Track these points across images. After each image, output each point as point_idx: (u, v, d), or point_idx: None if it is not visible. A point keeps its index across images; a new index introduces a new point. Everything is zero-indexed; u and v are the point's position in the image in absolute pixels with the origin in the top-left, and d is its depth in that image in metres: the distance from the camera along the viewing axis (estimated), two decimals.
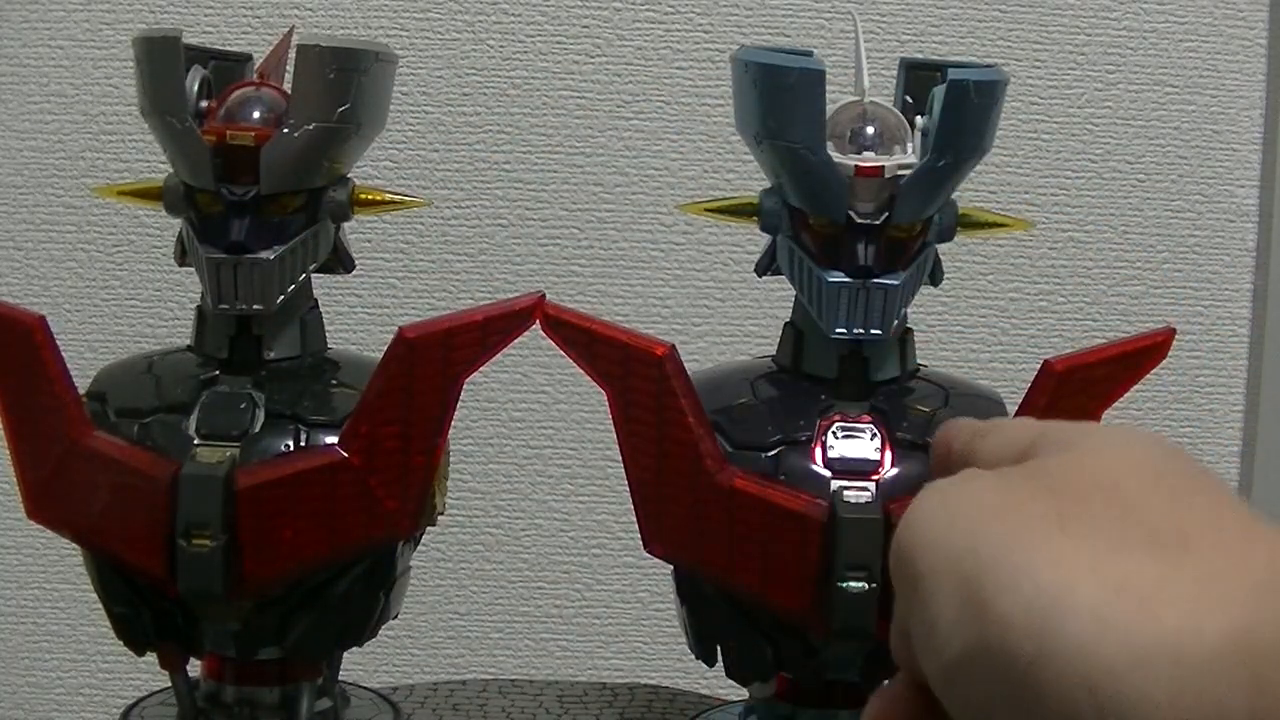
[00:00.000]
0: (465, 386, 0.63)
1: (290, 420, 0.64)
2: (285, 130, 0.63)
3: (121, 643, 0.66)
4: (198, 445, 0.63)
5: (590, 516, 1.16)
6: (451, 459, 0.69)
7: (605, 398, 0.62)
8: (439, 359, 0.62)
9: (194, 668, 0.69)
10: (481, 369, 0.63)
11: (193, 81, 0.64)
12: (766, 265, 0.66)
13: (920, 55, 0.83)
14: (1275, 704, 0.24)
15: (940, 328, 1.15)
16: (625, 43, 1.13)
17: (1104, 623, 0.26)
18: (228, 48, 0.70)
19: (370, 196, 0.67)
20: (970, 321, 1.16)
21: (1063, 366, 0.62)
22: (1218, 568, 0.27)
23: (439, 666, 1.16)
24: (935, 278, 0.66)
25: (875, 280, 0.62)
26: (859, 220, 0.61)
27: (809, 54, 0.64)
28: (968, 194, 0.66)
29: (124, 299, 1.13)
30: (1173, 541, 0.28)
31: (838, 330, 0.62)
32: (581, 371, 0.62)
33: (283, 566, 0.63)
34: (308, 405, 0.65)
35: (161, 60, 0.63)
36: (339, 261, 0.68)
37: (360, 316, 1.12)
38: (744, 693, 0.69)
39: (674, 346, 0.62)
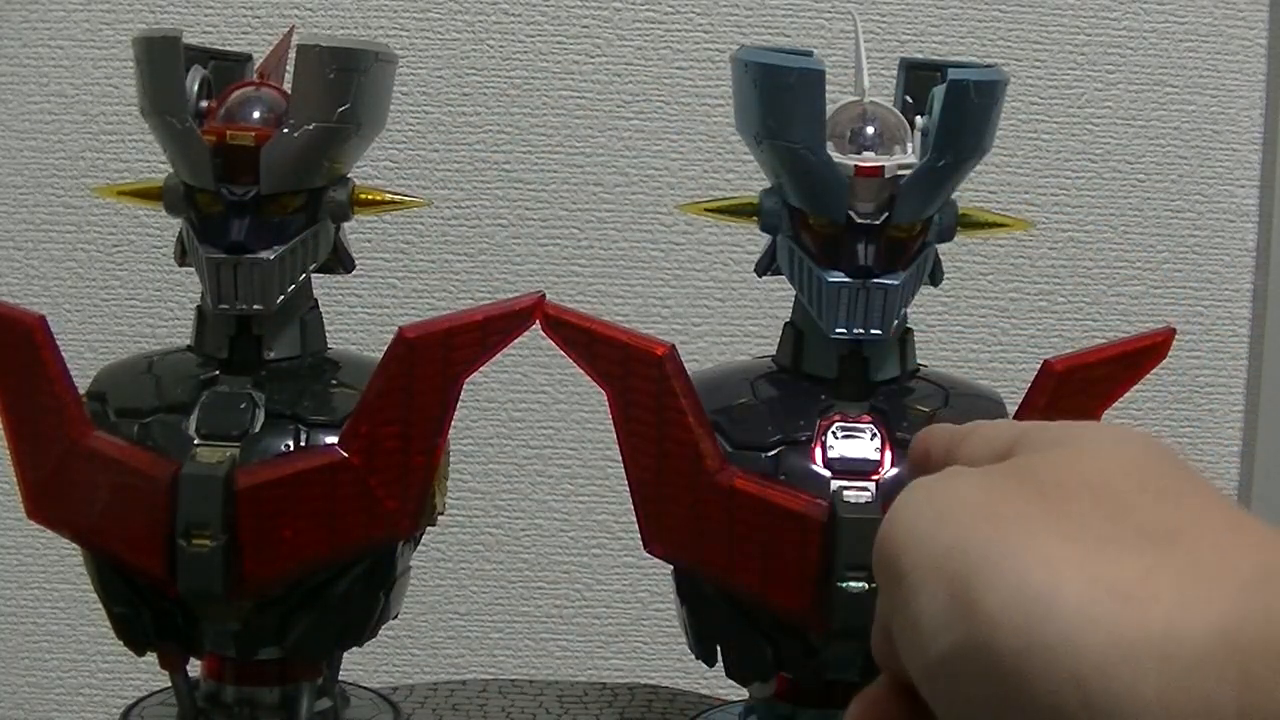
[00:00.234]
0: (465, 386, 0.63)
1: (290, 420, 0.64)
2: (285, 130, 0.63)
3: (121, 643, 0.66)
4: (198, 445, 0.63)
5: (590, 516, 1.16)
6: (451, 459, 0.69)
7: (605, 398, 0.62)
8: (439, 359, 0.62)
9: (194, 668, 0.69)
10: (481, 369, 0.63)
11: (193, 81, 0.64)
12: (766, 265, 0.66)
13: (920, 55, 0.83)
14: (1264, 699, 0.24)
15: (940, 328, 1.15)
16: (625, 43, 1.13)
17: (1091, 619, 0.26)
18: (228, 48, 0.70)
19: (370, 196, 0.67)
20: (970, 321, 1.16)
21: (1063, 366, 0.62)
22: (1205, 564, 0.27)
23: (439, 666, 1.16)
24: (935, 278, 0.66)
25: (875, 280, 0.62)
26: (859, 220, 0.61)
27: (809, 54, 0.64)
28: (968, 194, 0.66)
29: (124, 299, 1.13)
30: (1160, 538, 0.28)
31: (838, 330, 0.62)
32: (581, 371, 0.63)
33: (283, 566, 0.63)
34: (308, 405, 0.65)
35: (161, 60, 0.63)
36: (339, 261, 0.68)
37: (360, 316, 1.12)
38: (744, 693, 0.69)
39: (674, 346, 0.62)
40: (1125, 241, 1.16)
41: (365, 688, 0.76)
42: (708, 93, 1.12)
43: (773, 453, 0.63)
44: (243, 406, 0.64)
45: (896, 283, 0.62)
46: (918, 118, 0.64)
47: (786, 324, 0.67)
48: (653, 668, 1.16)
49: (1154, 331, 0.63)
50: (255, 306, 0.64)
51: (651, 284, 1.14)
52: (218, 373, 0.66)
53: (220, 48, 0.69)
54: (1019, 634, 0.26)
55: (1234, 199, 1.17)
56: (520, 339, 0.63)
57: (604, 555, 1.16)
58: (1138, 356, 0.63)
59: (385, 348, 0.63)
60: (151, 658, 0.67)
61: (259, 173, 0.63)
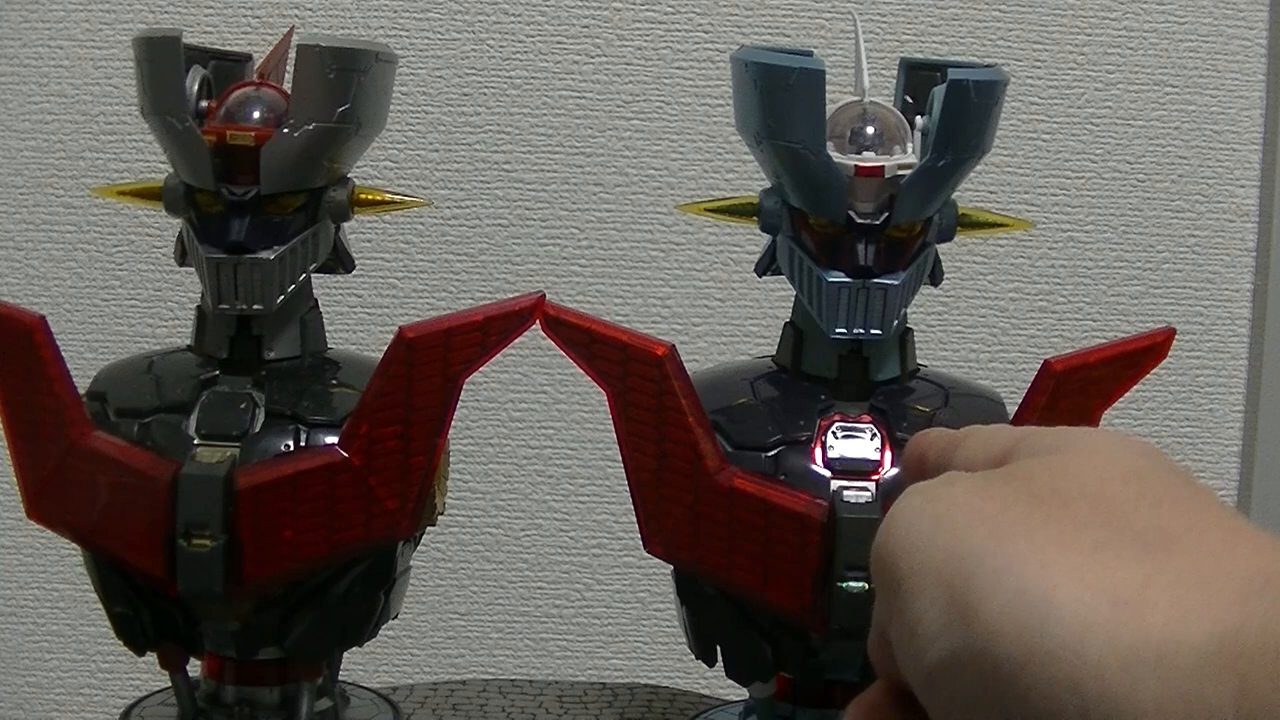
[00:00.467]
0: (465, 386, 0.63)
1: (290, 420, 0.64)
2: (285, 130, 0.63)
3: (121, 643, 0.66)
4: (198, 445, 0.63)
5: (590, 516, 1.16)
6: (451, 459, 0.69)
7: (605, 398, 0.62)
8: (439, 359, 0.62)
9: (194, 668, 0.69)
10: (481, 369, 0.63)
11: (193, 81, 0.64)
12: (766, 265, 0.66)
13: (920, 55, 0.83)
14: (1262, 706, 0.24)
15: (940, 328, 1.15)
16: (625, 43, 1.13)
17: (1090, 626, 0.26)
18: (228, 48, 0.70)
19: (370, 196, 0.67)
20: (970, 321, 1.16)
21: (1063, 366, 0.62)
22: (1202, 570, 0.27)
23: (439, 666, 1.16)
24: (935, 278, 0.66)
25: (875, 280, 0.62)
26: (859, 220, 0.61)
27: (809, 54, 0.64)
28: (968, 194, 0.66)
29: (124, 299, 1.13)
30: (1157, 545, 0.28)
31: (838, 330, 0.62)
32: (581, 371, 0.63)
33: (283, 566, 0.63)
34: (308, 405, 0.65)
35: (161, 60, 0.63)
36: (339, 261, 0.68)
37: (360, 316, 1.12)
38: (744, 693, 0.69)
39: (674, 346, 0.62)
40: (1125, 241, 1.16)
41: (365, 688, 0.76)
42: (708, 93, 1.12)
43: (773, 453, 0.63)
44: (243, 406, 0.64)
45: (896, 283, 0.62)
46: (918, 118, 0.64)
47: (786, 324, 0.67)
48: (653, 668, 1.16)
49: (1154, 331, 0.63)
50: (255, 306, 0.64)
51: (651, 284, 1.14)
52: (218, 373, 0.66)
53: (220, 48, 0.69)
54: (1017, 641, 0.26)
55: (1234, 199, 1.17)
56: (520, 339, 0.63)
57: (604, 555, 1.16)
58: (1138, 356, 0.63)
59: (385, 348, 0.63)
60: (151, 658, 0.67)
61: (259, 173, 0.63)
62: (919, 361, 0.68)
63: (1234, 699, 0.24)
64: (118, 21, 1.11)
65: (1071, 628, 0.26)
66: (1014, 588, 0.27)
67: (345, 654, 0.71)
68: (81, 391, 0.65)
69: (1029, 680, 0.26)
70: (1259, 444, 1.17)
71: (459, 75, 1.12)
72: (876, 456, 0.62)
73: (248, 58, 0.70)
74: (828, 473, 0.62)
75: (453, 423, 0.64)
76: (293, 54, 0.64)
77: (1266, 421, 1.17)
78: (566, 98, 1.12)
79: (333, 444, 0.63)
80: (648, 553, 0.63)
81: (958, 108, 0.61)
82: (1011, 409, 0.64)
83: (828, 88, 0.60)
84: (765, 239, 0.66)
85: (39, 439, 0.64)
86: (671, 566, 0.65)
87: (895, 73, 0.68)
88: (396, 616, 0.69)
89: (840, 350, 0.64)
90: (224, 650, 0.67)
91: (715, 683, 0.74)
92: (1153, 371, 0.63)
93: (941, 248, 0.65)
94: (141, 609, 0.65)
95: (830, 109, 0.62)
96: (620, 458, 0.62)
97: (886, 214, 0.62)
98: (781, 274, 0.65)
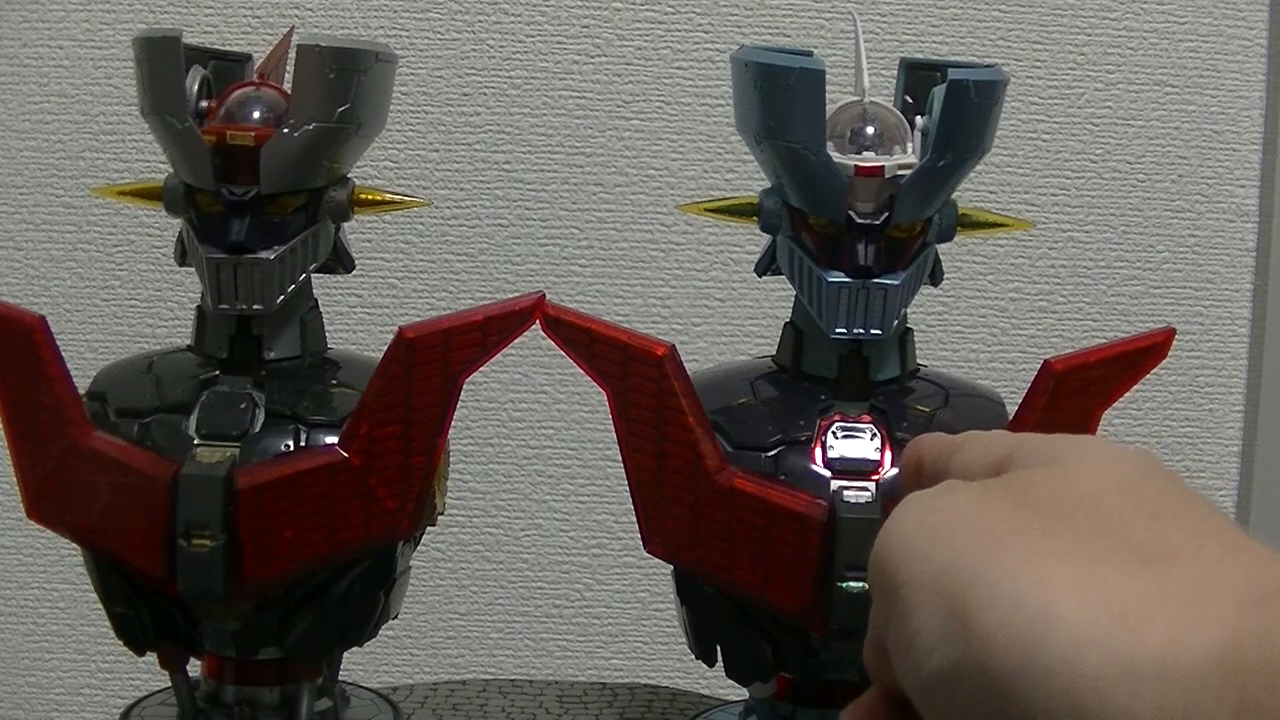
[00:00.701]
0: (465, 386, 0.63)
1: (290, 420, 0.64)
2: (285, 130, 0.63)
3: (121, 643, 0.66)
4: (198, 445, 0.63)
5: (590, 516, 1.16)
6: (451, 459, 0.69)
7: (605, 398, 0.62)
8: (439, 359, 0.62)
9: (194, 668, 0.69)
10: (481, 369, 0.63)
11: (193, 81, 0.64)
12: (766, 265, 0.66)
13: (920, 55, 0.83)
14: (1261, 719, 0.24)
15: (940, 328, 1.15)
16: (625, 43, 1.13)
17: (1088, 639, 0.26)
18: (228, 48, 0.70)
19: (370, 196, 0.67)
20: (970, 321, 1.16)
21: (1063, 366, 0.62)
22: (1201, 583, 0.27)
23: (439, 666, 1.16)
24: (935, 278, 0.66)
25: (875, 280, 0.62)
26: (859, 220, 0.61)
27: (809, 54, 0.64)
28: (968, 194, 0.66)
29: (124, 299, 1.13)
30: (1156, 557, 0.27)
31: (838, 330, 0.62)
32: (581, 371, 0.63)
33: (283, 566, 0.63)
34: (308, 405, 0.65)
35: (161, 60, 0.63)
36: (339, 261, 0.68)
37: (360, 316, 1.12)
38: (744, 693, 0.69)
39: (674, 346, 0.62)
40: (1125, 241, 1.16)
41: (365, 688, 0.76)
42: (708, 93, 1.12)
43: (773, 453, 0.63)
44: (243, 406, 0.64)
45: (896, 283, 0.62)
46: (918, 118, 0.64)
47: (786, 324, 0.67)
48: (653, 668, 1.16)
49: (1154, 331, 0.63)
50: (255, 306, 0.64)
51: (651, 284, 1.14)
52: (218, 373, 0.66)
53: (220, 48, 0.69)
54: (1015, 654, 0.26)
55: (1234, 199, 1.17)
56: (520, 339, 0.63)
57: (604, 555, 1.16)
58: (1138, 356, 0.63)
59: (385, 348, 0.63)
60: (151, 658, 0.67)
61: (259, 173, 0.63)
62: (919, 361, 0.67)
63: (1233, 712, 0.24)
64: (118, 21, 1.11)
65: (1069, 641, 0.26)
66: (1012, 600, 0.27)
67: (345, 654, 0.71)
68: (81, 391, 0.65)
69: (1027, 693, 0.26)
70: (1259, 444, 1.17)
71: (459, 75, 1.12)
72: (876, 456, 0.62)
73: (248, 58, 0.70)
74: (828, 473, 0.62)
75: (453, 423, 0.64)
76: (293, 54, 0.64)
77: (1266, 421, 1.17)
78: (566, 98, 1.12)
79: (333, 444, 0.63)
80: (648, 553, 0.63)
81: (958, 108, 0.61)
82: (1011, 409, 0.64)
83: (828, 88, 0.60)
84: (765, 239, 0.66)
85: (39, 439, 0.64)
86: (671, 566, 0.65)
87: (895, 73, 0.68)
88: (396, 616, 0.69)
89: (840, 350, 0.64)
90: (224, 650, 0.67)
91: (715, 683, 0.74)
92: (1153, 371, 0.63)
93: (941, 248, 0.65)
94: (141, 609, 0.65)
95: (830, 109, 0.62)
96: (620, 458, 0.62)
97: (886, 214, 0.62)
98: (781, 274, 0.65)
